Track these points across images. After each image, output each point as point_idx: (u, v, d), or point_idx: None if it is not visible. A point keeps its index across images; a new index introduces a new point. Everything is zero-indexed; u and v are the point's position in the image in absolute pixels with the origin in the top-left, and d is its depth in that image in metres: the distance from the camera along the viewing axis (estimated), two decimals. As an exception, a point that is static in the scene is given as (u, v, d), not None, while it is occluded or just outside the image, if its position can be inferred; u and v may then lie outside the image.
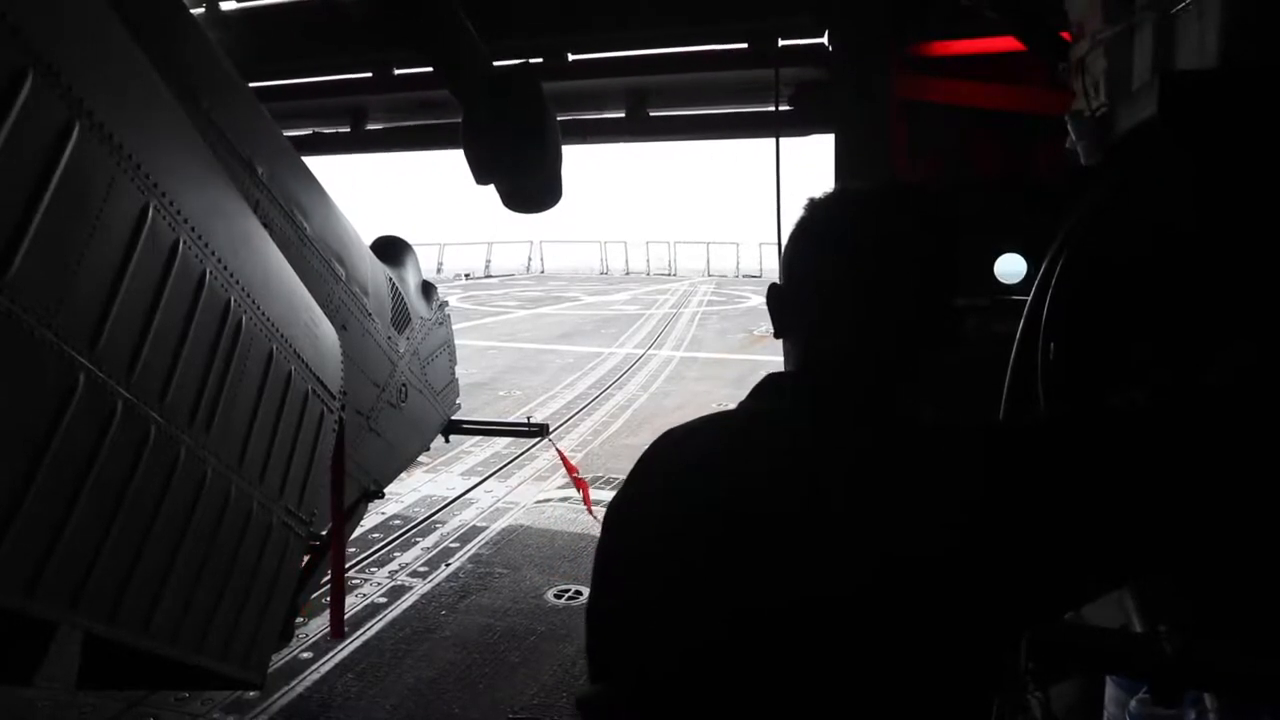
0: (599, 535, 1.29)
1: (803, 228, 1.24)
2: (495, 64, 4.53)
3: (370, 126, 6.26)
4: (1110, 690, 2.22)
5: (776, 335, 1.26)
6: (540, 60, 5.18)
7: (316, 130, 6.42)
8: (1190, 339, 1.59)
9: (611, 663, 1.23)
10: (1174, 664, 1.50)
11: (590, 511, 5.92)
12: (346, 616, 5.02)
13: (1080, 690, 2.31)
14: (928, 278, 1.17)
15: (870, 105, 4.24)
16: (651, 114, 5.59)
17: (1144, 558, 1.07)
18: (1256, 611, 1.49)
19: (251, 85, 5.55)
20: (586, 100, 5.66)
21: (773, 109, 4.85)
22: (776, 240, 3.56)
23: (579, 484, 6.02)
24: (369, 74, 5.65)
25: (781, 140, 4.66)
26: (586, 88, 5.50)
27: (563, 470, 6.27)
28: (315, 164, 3.85)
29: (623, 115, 5.65)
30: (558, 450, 6.36)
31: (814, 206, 1.23)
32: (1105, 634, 1.70)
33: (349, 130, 6.25)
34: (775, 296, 1.25)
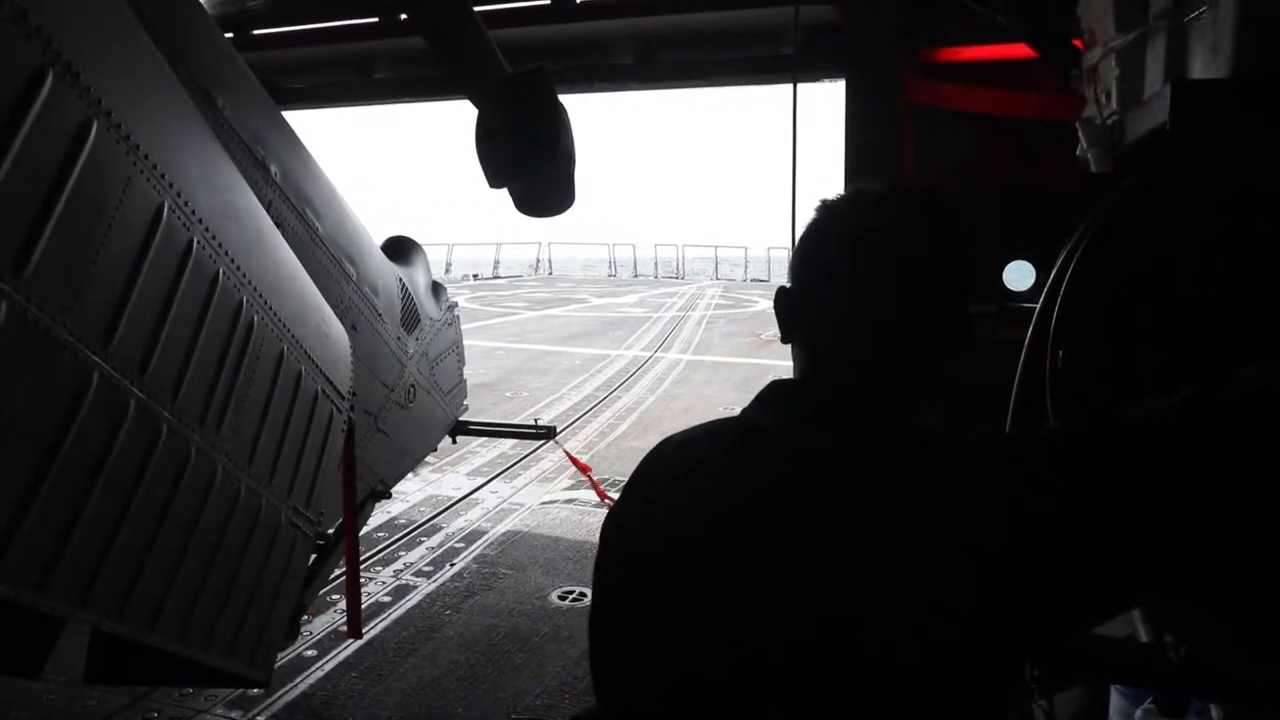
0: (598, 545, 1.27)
1: (813, 231, 1.20)
2: (510, 66, 4.54)
3: (377, 76, 6.15)
4: (1115, 699, 2.22)
5: (784, 340, 1.23)
6: (547, 2, 5.10)
7: (322, 80, 6.34)
8: (1199, 348, 1.59)
9: (614, 676, 1.21)
10: (1179, 673, 1.50)
11: (605, 500, 5.82)
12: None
13: (1085, 699, 2.30)
14: (940, 283, 1.14)
15: (883, 45, 4.20)
16: (661, 59, 5.47)
17: (1171, 574, 1.05)
18: (1262, 621, 1.49)
19: (256, 33, 5.55)
20: (594, 46, 5.55)
21: (784, 54, 4.72)
22: (791, 198, 3.52)
23: (590, 479, 5.98)
24: (375, 19, 5.54)
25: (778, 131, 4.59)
26: (594, 31, 5.40)
27: (569, 471, 6.26)
28: (325, 153, 3.86)
29: (631, 62, 5.53)
30: (565, 451, 6.35)
31: (825, 209, 1.20)
32: (1110, 643, 1.70)
33: (356, 79, 6.15)
34: (783, 300, 1.22)
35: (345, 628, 5.15)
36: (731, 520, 1.08)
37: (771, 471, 1.10)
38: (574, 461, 6.05)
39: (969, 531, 0.98)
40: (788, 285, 1.22)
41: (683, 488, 1.17)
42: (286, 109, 5.61)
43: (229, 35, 5.42)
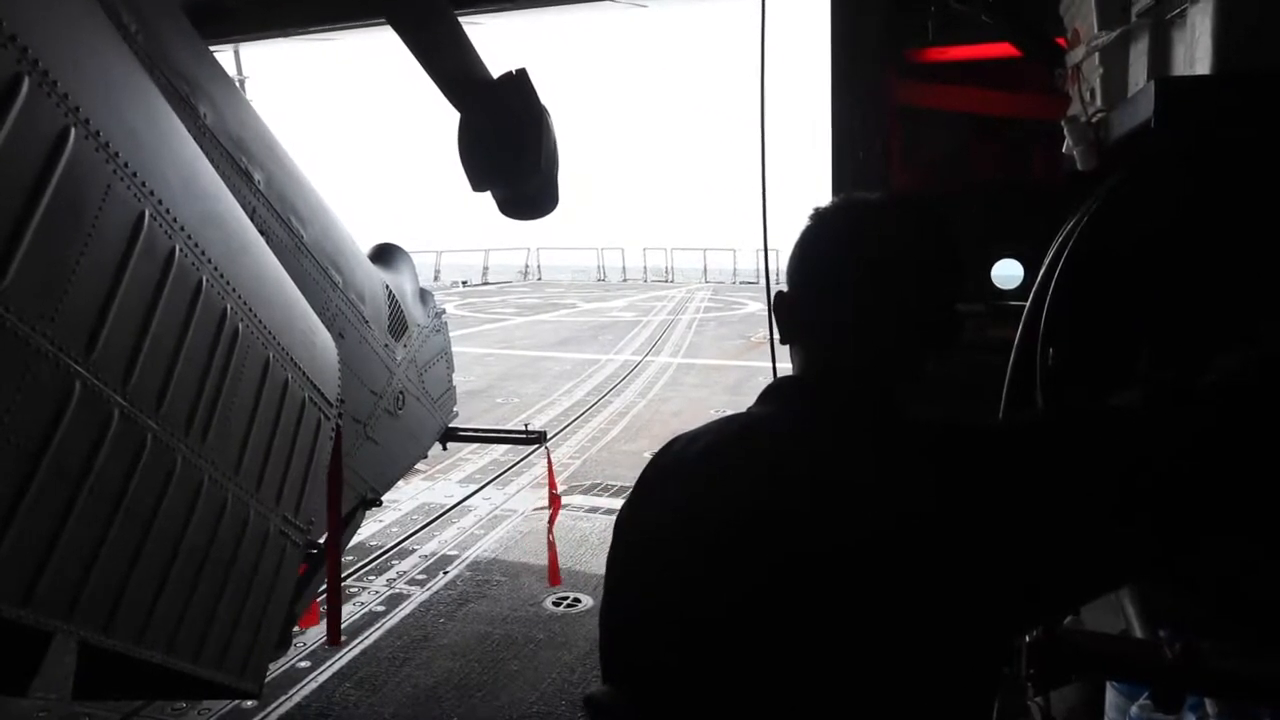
0: (610, 539, 1.32)
1: (809, 237, 1.26)
2: (490, 70, 4.52)
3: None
4: (1111, 695, 2.22)
5: (783, 342, 1.29)
6: None
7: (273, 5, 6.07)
8: (1188, 343, 1.59)
9: (620, 663, 1.25)
10: (1175, 668, 1.49)
11: (550, 534, 5.78)
12: (344, 625, 5.00)
13: (1081, 695, 2.30)
14: (934, 284, 1.20)
15: (868, 46, 4.14)
16: None
17: (1138, 559, 1.09)
18: (1257, 615, 1.49)
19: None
20: None
21: None
22: (760, 134, 3.40)
23: (553, 501, 5.97)
24: None
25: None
26: None
27: (562, 477, 6.22)
28: (307, 159, 3.84)
29: None
30: (548, 462, 6.34)
31: (819, 216, 1.26)
32: (1106, 639, 1.70)
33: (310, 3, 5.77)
34: (782, 304, 1.28)
35: (338, 638, 5.13)
36: (738, 513, 1.12)
37: (777, 466, 1.14)
38: (550, 480, 6.03)
39: (948, 513, 1.03)
40: (785, 289, 1.28)
41: (692, 483, 1.21)
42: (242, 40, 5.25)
43: None
